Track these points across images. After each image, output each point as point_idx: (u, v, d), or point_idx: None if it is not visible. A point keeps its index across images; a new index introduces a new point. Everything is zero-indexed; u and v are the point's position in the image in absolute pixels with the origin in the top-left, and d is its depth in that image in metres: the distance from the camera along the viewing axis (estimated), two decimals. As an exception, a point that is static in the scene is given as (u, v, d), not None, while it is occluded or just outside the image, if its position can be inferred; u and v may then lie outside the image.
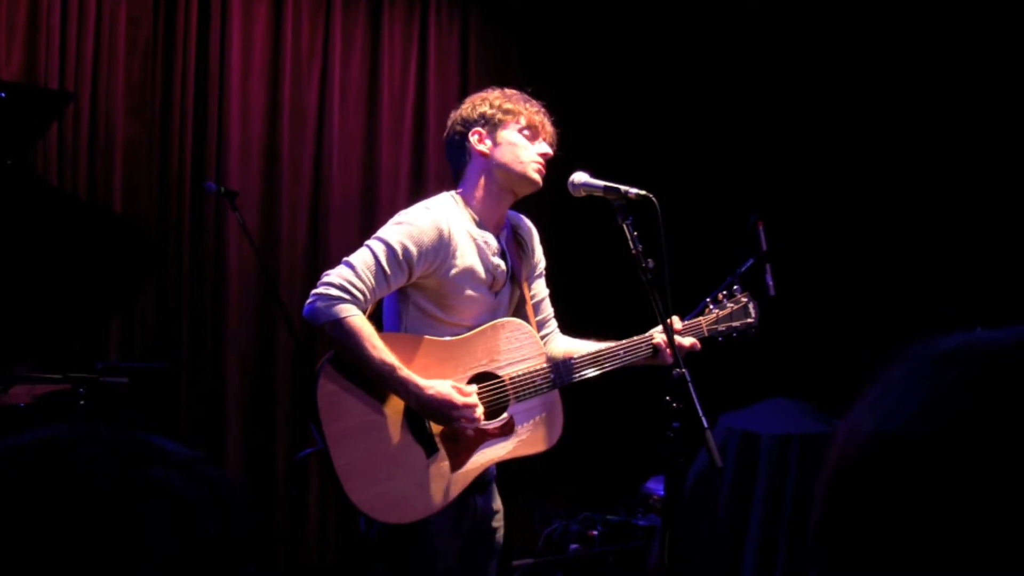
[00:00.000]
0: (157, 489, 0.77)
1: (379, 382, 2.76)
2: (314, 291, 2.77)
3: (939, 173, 5.26)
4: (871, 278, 5.36)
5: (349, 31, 5.54)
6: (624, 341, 3.05)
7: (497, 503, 3.04)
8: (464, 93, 5.83)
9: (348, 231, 5.45)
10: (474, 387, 2.87)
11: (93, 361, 3.94)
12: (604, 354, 3.03)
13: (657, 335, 3.00)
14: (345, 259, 2.81)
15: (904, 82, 5.42)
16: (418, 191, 5.45)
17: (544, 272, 3.19)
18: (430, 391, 2.75)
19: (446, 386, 2.78)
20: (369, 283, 2.76)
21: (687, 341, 3.00)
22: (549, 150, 3.01)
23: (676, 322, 3.01)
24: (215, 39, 5.15)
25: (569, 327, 3.28)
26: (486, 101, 3.02)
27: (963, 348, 0.74)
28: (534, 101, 3.06)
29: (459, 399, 2.78)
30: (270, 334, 5.23)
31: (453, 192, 3.02)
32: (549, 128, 3.04)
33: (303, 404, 2.70)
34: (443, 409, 2.77)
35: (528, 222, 3.17)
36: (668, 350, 2.90)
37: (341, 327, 2.71)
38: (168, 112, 5.05)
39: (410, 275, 2.82)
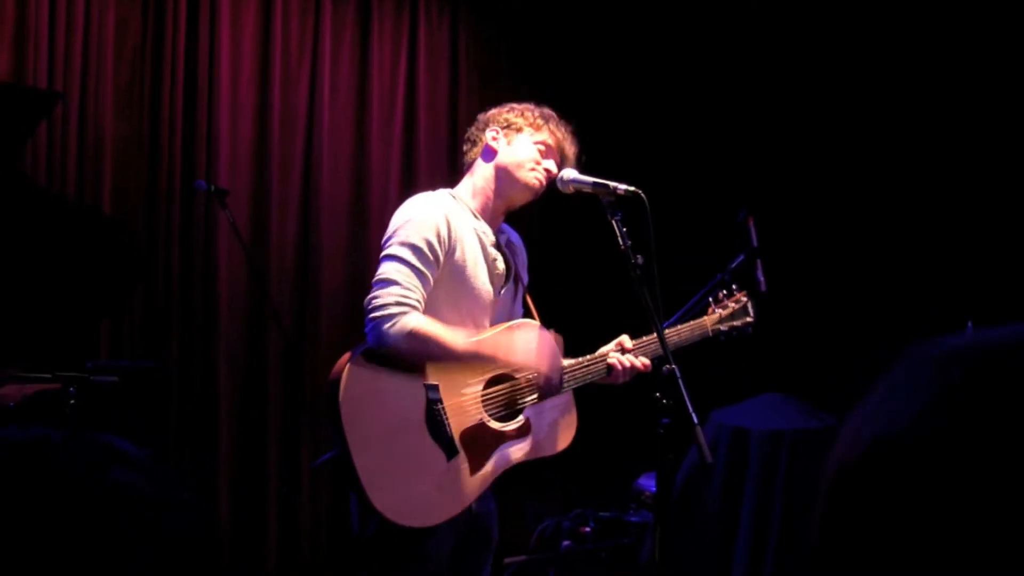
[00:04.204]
0: (123, 491, 0.77)
1: (467, 362, 2.85)
2: (371, 316, 2.75)
3: (930, 169, 5.28)
4: (862, 273, 5.37)
5: (338, 30, 5.54)
6: (585, 357, 3.07)
7: (492, 502, 3.04)
8: (455, 92, 5.86)
9: (338, 230, 5.46)
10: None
11: (83, 360, 3.93)
12: (591, 363, 3.07)
13: (612, 355, 3.04)
14: (379, 279, 2.80)
15: (895, 79, 5.43)
16: (408, 190, 5.43)
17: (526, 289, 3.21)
18: (520, 364, 2.93)
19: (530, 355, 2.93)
20: (417, 288, 2.77)
21: (639, 361, 3.04)
22: (555, 169, 3.03)
23: (627, 342, 3.06)
24: (204, 39, 5.14)
25: (560, 324, 3.28)
26: (516, 111, 3.08)
27: (966, 348, 0.73)
28: (566, 125, 3.10)
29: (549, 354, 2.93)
30: (260, 332, 5.23)
31: (450, 189, 3.04)
32: (570, 153, 3.07)
33: (323, 410, 2.70)
34: (539, 377, 2.94)
35: (517, 236, 3.19)
36: (620, 369, 3.00)
37: (415, 336, 2.73)
38: (157, 113, 5.04)
39: (438, 265, 2.84)
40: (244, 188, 5.23)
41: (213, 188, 4.39)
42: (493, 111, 3.11)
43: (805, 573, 0.75)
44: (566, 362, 3.04)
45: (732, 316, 3.28)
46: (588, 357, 3.06)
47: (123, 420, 4.42)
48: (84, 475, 0.77)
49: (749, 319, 3.30)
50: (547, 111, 3.11)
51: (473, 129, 3.12)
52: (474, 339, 2.89)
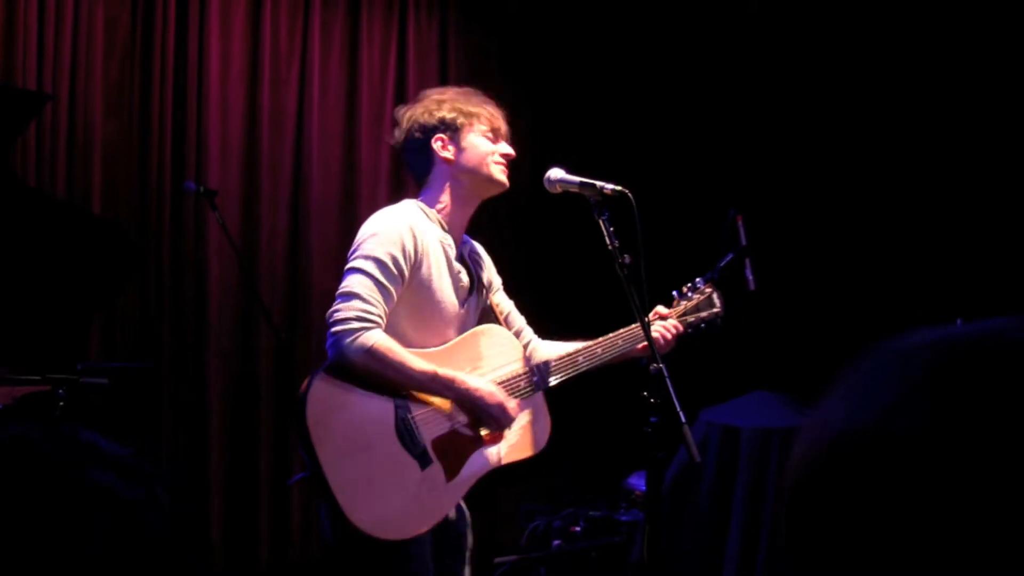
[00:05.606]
0: (98, 494, 0.76)
1: (423, 389, 2.79)
2: (332, 330, 2.74)
3: (919, 168, 5.28)
4: (851, 271, 5.38)
5: (328, 29, 5.54)
6: (610, 335, 3.06)
7: (463, 506, 3.01)
8: (444, 91, 5.85)
9: (328, 230, 5.45)
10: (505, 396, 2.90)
11: (73, 362, 3.92)
12: (585, 351, 3.05)
13: (656, 325, 3.06)
14: (343, 292, 2.78)
15: (884, 83, 5.44)
16: (398, 190, 5.45)
17: (501, 287, 3.20)
18: (478, 392, 2.82)
19: (491, 386, 2.85)
20: (380, 304, 2.74)
21: (671, 324, 3.09)
22: (511, 150, 3.01)
23: (661, 308, 3.12)
24: (193, 38, 5.13)
25: (547, 325, 3.28)
26: (444, 104, 2.98)
27: (931, 343, 0.73)
28: (490, 100, 3.04)
29: (508, 399, 2.85)
30: (251, 333, 5.22)
31: (415, 200, 2.99)
32: (506, 128, 3.03)
33: (291, 428, 2.71)
34: (492, 409, 2.83)
35: (477, 244, 3.17)
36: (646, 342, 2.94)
37: (374, 354, 2.70)
38: (147, 112, 5.03)
39: (403, 280, 2.80)
40: (234, 188, 5.22)
41: (203, 189, 4.38)
42: (419, 114, 2.98)
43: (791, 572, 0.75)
44: (592, 342, 3.05)
45: (697, 308, 3.21)
46: (622, 331, 3.06)
47: (114, 421, 4.41)
48: (58, 475, 0.77)
49: (716, 310, 3.23)
50: (466, 92, 3.04)
51: (409, 139, 3.00)
52: (438, 350, 2.88)
